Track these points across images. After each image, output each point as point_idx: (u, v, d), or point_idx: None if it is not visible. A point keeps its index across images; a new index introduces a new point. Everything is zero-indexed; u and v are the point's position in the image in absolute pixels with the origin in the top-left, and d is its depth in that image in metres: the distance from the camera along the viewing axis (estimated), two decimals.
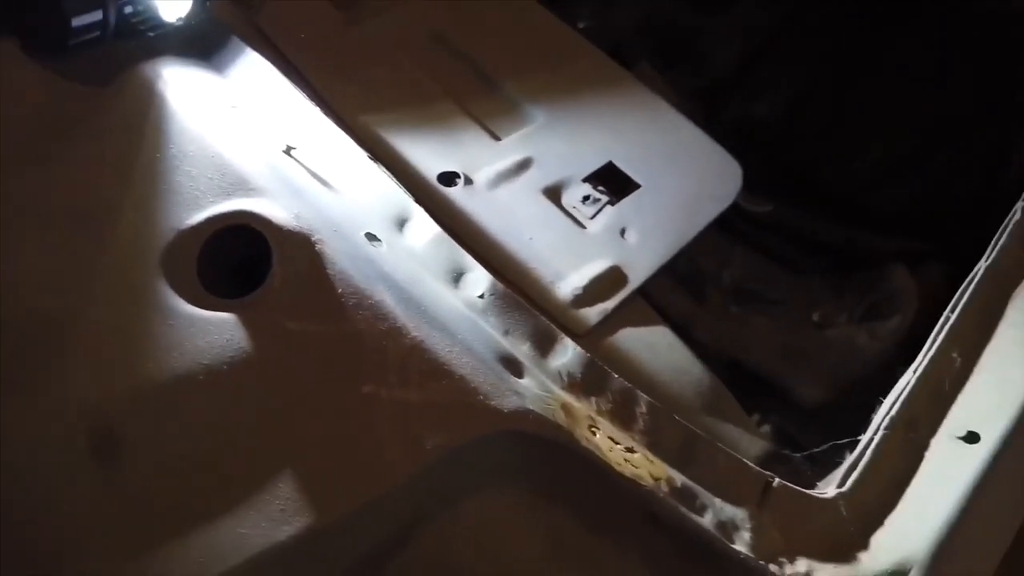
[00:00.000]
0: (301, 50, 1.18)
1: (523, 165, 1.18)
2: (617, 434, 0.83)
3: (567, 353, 0.88)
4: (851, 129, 1.69)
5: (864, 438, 0.91)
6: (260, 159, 0.88)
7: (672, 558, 0.81)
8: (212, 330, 0.75)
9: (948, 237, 1.46)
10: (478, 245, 1.04)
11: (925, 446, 0.93)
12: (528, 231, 1.09)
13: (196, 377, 0.73)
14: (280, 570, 0.71)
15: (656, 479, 0.81)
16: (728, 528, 0.82)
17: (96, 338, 0.74)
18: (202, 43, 0.99)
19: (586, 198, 1.16)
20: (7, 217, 0.78)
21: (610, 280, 1.08)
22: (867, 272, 1.44)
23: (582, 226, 1.13)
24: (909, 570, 0.81)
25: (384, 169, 0.96)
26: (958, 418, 0.94)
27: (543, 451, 0.79)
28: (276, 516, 0.71)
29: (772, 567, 0.80)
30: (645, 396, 0.87)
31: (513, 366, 0.83)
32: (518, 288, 1.00)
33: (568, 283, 1.05)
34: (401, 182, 1.05)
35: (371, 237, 0.88)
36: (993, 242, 1.10)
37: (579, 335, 1.00)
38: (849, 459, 0.91)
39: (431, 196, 1.07)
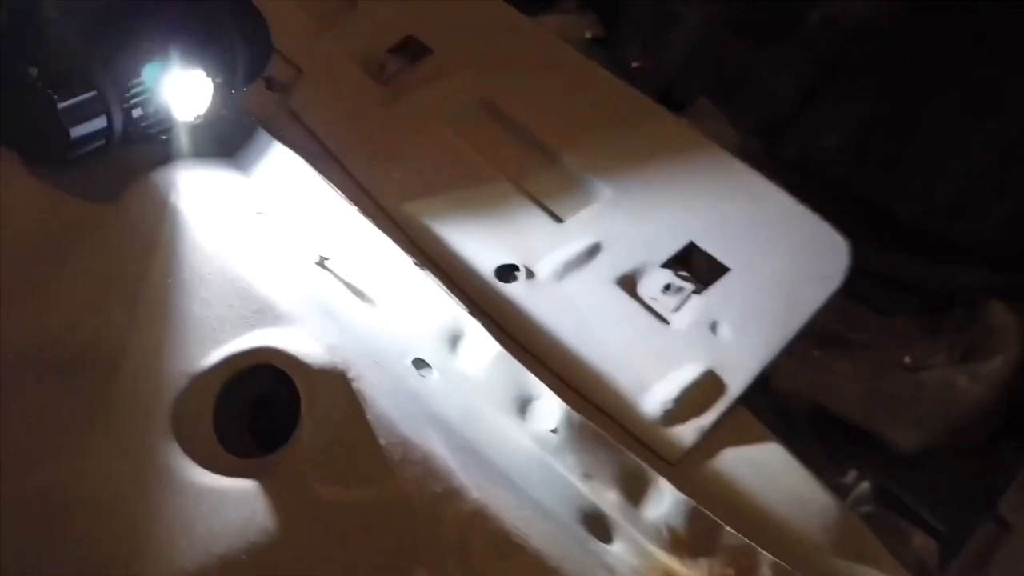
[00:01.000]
0: (338, 133, 1.07)
1: (591, 251, 1.02)
2: None
3: (664, 500, 0.71)
4: (924, 157, 1.55)
5: None
6: (288, 277, 0.75)
7: None
8: (230, 506, 0.61)
9: None
10: (545, 354, 0.88)
11: None
12: (602, 331, 0.93)
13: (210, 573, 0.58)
14: None
15: None
16: None
17: (92, 523, 0.61)
18: (223, 140, 0.87)
19: (667, 287, 1.00)
20: None
21: (705, 388, 0.91)
22: (959, 310, 1.33)
23: (665, 321, 0.97)
24: None
25: (432, 276, 0.82)
26: None
27: None
28: None
29: None
30: (768, 556, 0.69)
31: (599, 527, 0.67)
32: (596, 406, 0.84)
33: (654, 395, 0.89)
34: (452, 282, 0.92)
35: (419, 364, 0.74)
36: None
37: (673, 463, 0.83)
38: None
39: (487, 297, 0.93)
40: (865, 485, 1.13)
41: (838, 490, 1.00)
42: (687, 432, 0.87)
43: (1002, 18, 1.52)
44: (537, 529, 0.63)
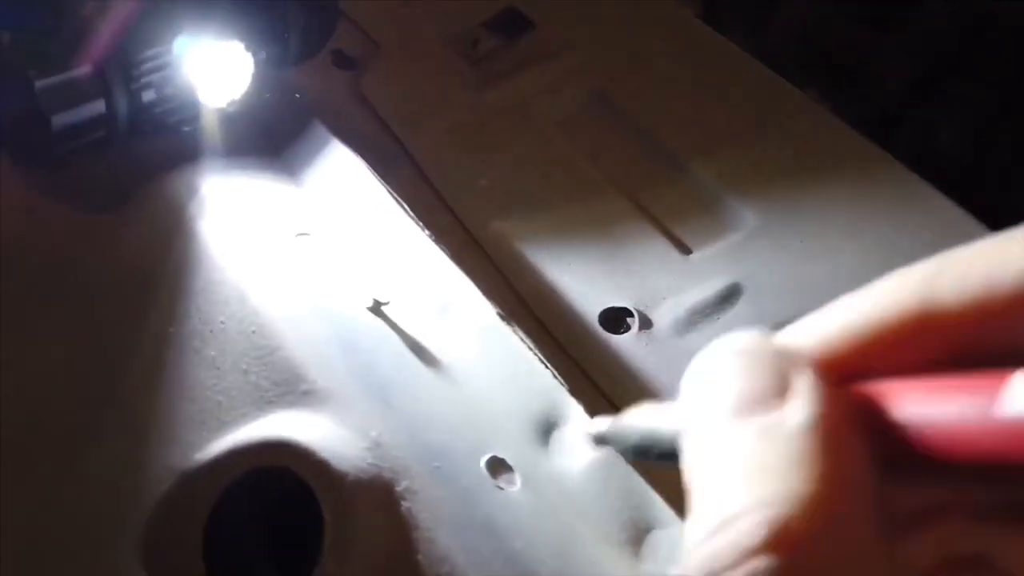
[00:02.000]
0: (414, 123, 0.86)
1: (728, 296, 0.79)
2: None
3: None
4: None
5: None
6: (331, 330, 0.55)
7: None
8: None
9: None
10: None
11: None
12: None
13: None
14: None
15: None
16: None
17: None
18: (266, 134, 0.68)
19: None
20: None
21: None
22: None
23: None
24: None
25: (521, 335, 0.61)
26: None
27: None
28: None
29: None
30: None
31: None
32: None
33: None
34: (545, 330, 0.70)
35: (497, 467, 0.53)
36: None
37: None
38: None
39: (590, 355, 0.71)
40: None
41: None
42: None
43: None
44: None
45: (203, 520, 0.46)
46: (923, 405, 0.18)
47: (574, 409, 0.58)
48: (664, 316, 0.77)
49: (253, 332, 0.53)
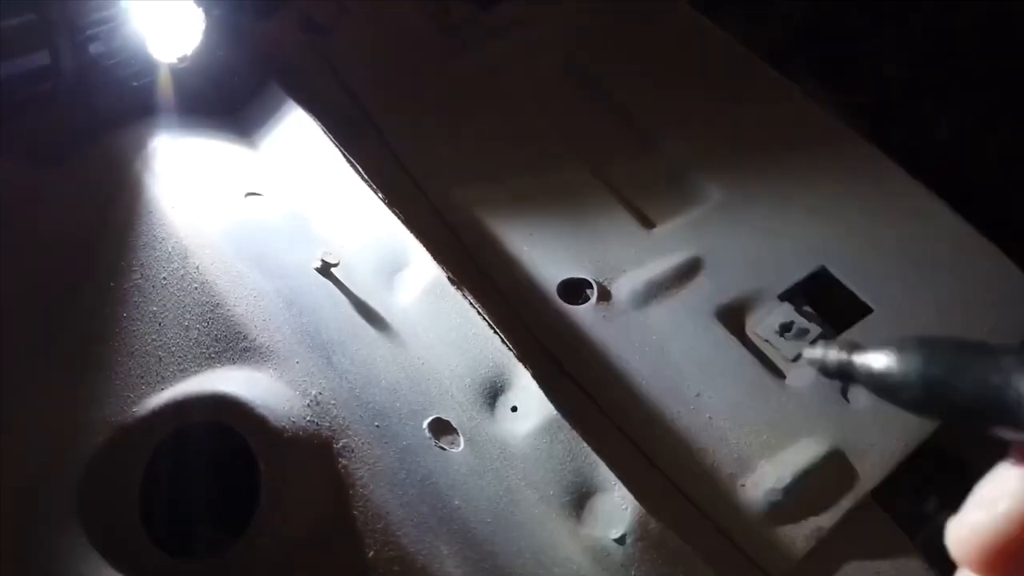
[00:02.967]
0: (381, 90, 0.85)
1: (687, 269, 0.79)
2: None
3: None
4: None
5: None
6: (275, 289, 0.54)
7: None
8: None
9: None
10: (616, 409, 0.66)
11: None
12: (694, 382, 0.70)
13: None
14: None
15: None
16: None
17: None
18: (220, 93, 0.67)
19: (786, 327, 0.76)
20: None
21: (828, 474, 0.67)
22: None
23: (780, 375, 0.73)
24: None
25: (472, 300, 0.60)
26: None
27: None
28: None
29: None
30: None
31: None
32: (680, 491, 0.62)
33: (760, 480, 0.66)
34: (503, 298, 0.70)
35: (439, 430, 0.53)
36: None
37: None
38: None
39: (546, 324, 0.70)
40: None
41: (916, 519, 0.76)
42: (800, 537, 0.64)
43: None
44: None
45: (139, 474, 0.46)
46: None
47: (522, 377, 0.58)
48: (623, 288, 0.77)
49: (195, 288, 0.52)
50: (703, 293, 0.77)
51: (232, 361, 0.50)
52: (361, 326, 0.56)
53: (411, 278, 0.61)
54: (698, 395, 0.70)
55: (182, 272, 0.53)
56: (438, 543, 0.46)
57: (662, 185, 0.85)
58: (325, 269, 0.58)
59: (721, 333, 0.74)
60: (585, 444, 0.55)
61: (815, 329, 0.76)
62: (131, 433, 0.47)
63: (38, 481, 0.45)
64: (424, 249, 0.61)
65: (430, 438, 0.52)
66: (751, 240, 0.81)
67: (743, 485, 0.65)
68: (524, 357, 0.58)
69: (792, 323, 0.76)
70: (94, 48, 0.56)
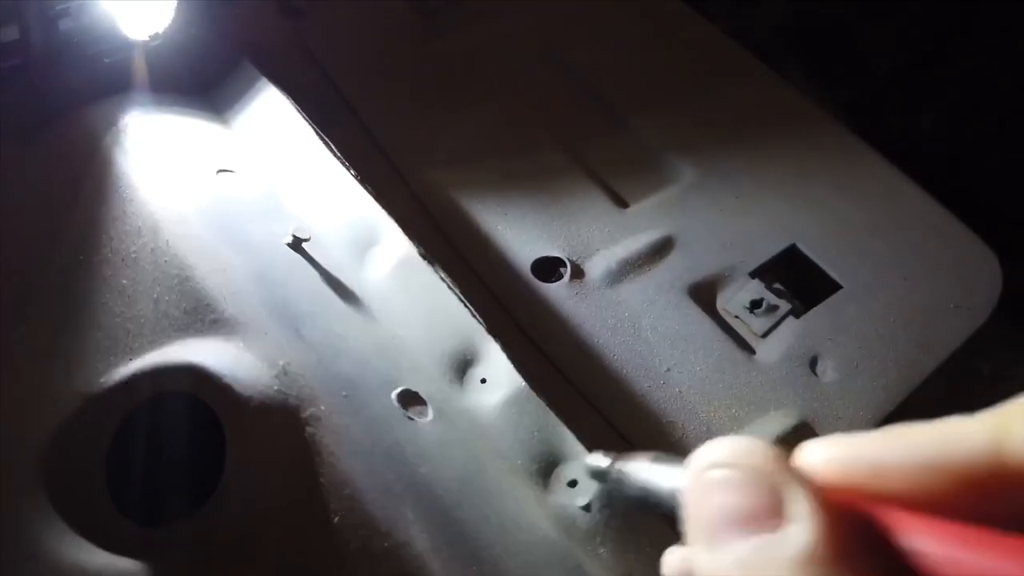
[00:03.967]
0: (357, 72, 0.86)
1: (660, 247, 0.80)
2: None
3: None
4: None
5: None
6: (245, 263, 0.55)
7: None
8: None
9: None
10: (586, 384, 0.67)
11: None
12: (664, 357, 0.71)
13: None
14: None
15: None
16: None
17: None
18: (193, 71, 0.67)
19: (756, 303, 0.77)
20: None
21: (796, 446, 0.68)
22: None
23: (750, 350, 0.74)
24: None
25: (444, 275, 0.61)
26: None
27: None
28: None
29: None
30: None
31: None
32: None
33: None
34: (477, 276, 0.71)
35: (408, 400, 0.53)
36: None
37: None
38: None
39: (519, 301, 0.71)
40: None
41: None
42: None
43: None
44: None
45: (106, 444, 0.47)
46: (957, 549, 0.17)
47: (491, 349, 0.59)
48: (596, 266, 0.78)
49: (165, 262, 0.53)
50: (675, 271, 0.78)
51: (201, 333, 0.50)
52: (331, 299, 0.57)
53: (383, 253, 0.62)
54: (668, 370, 0.71)
55: (152, 246, 0.53)
56: (404, 509, 0.47)
57: (636, 165, 0.86)
58: (296, 244, 0.58)
59: (692, 310, 0.75)
60: (553, 414, 0.56)
61: (785, 306, 0.77)
62: (99, 402, 0.47)
63: (3, 451, 0.46)
64: (396, 225, 0.61)
65: (399, 408, 0.52)
66: (723, 219, 0.82)
67: None
68: (494, 330, 0.59)
69: (762, 300, 0.77)
70: (64, 24, 0.56)
